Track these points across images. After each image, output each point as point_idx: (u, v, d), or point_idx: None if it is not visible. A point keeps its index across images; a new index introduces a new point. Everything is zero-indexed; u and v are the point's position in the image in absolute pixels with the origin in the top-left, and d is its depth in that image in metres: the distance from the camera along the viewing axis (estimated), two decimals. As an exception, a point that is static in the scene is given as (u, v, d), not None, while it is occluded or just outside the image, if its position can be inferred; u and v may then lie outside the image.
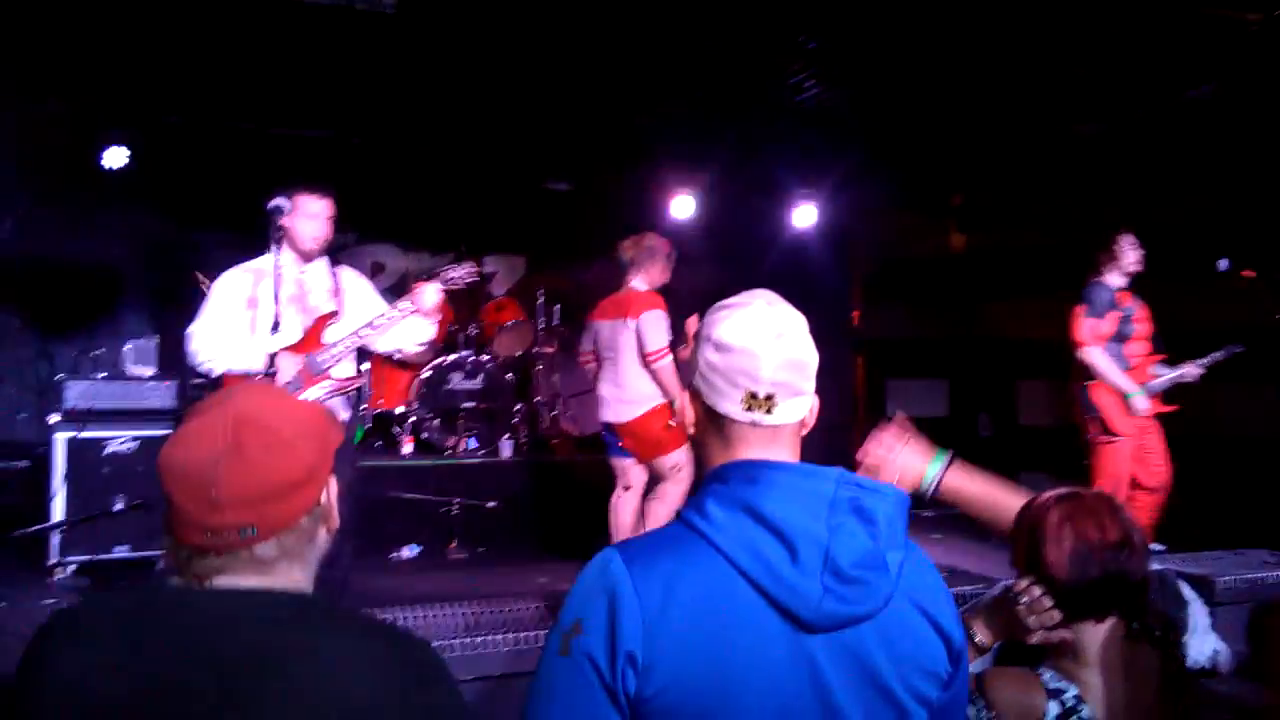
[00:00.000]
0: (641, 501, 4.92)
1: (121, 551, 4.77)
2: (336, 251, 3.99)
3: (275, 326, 3.47)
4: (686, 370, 1.37)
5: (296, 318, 3.76)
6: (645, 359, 4.70)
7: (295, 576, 1.22)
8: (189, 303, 5.47)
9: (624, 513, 4.91)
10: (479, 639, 2.64)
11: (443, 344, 6.91)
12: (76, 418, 4.90)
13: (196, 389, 5.28)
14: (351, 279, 4.00)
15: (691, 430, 1.36)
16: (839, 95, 5.78)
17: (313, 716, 1.06)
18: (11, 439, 6.23)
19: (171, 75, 5.38)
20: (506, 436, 6.79)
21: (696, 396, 1.32)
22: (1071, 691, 1.61)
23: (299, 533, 1.20)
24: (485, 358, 6.95)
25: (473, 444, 6.71)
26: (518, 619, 2.81)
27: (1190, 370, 4.96)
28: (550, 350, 7.47)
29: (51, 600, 4.20)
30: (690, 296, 6.33)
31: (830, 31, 4.97)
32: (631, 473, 4.91)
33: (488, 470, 6.43)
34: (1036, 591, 1.64)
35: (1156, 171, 6.06)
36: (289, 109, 5.97)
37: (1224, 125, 5.54)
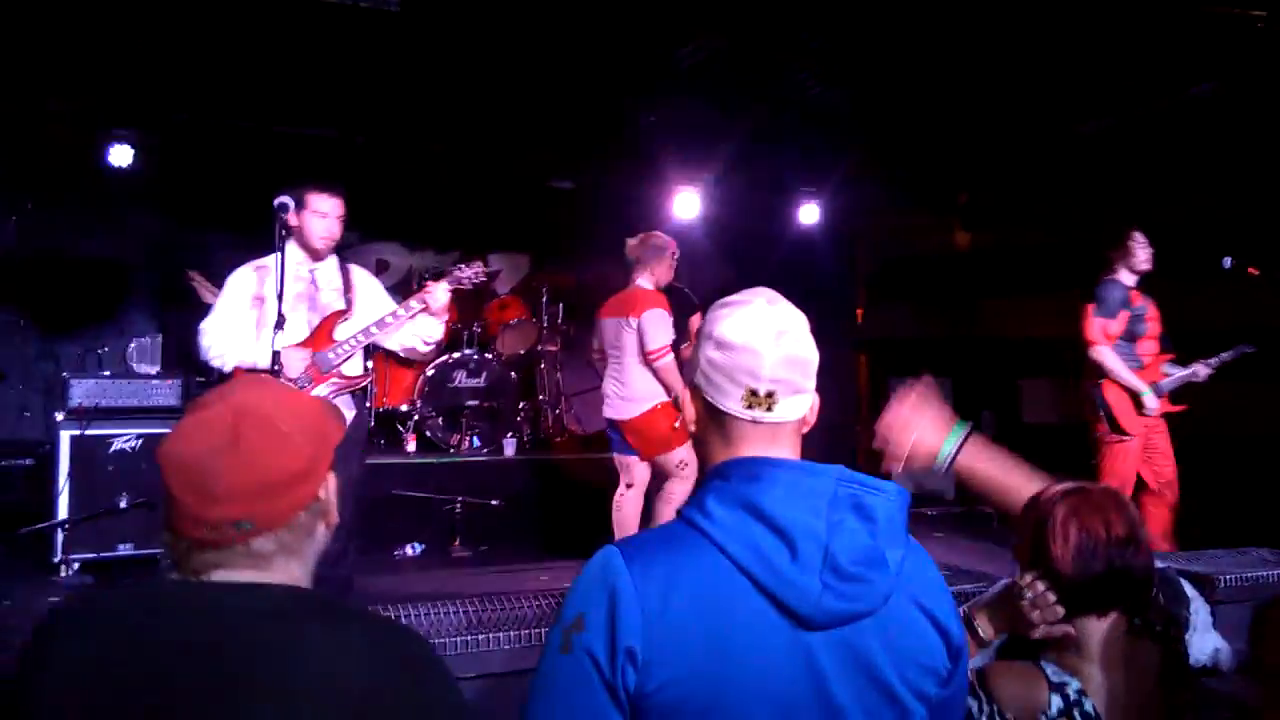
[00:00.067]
0: (645, 500, 4.93)
1: (126, 549, 4.80)
2: (341, 250, 4.01)
3: (280, 324, 3.48)
4: (688, 368, 1.37)
5: (306, 315, 3.78)
6: (646, 357, 4.72)
7: (293, 572, 1.22)
8: (193, 301, 5.52)
9: (627, 510, 4.92)
10: (481, 636, 2.65)
11: (447, 342, 6.92)
12: (81, 415, 4.92)
13: (200, 386, 5.30)
14: (362, 277, 4.03)
15: (693, 428, 1.36)
16: (842, 94, 5.78)
17: (310, 710, 1.07)
18: (16, 437, 6.25)
19: (176, 74, 5.39)
20: (510, 435, 6.80)
21: (698, 394, 1.33)
22: (1074, 685, 1.61)
23: (297, 528, 1.21)
24: (489, 356, 6.96)
25: (476, 442, 6.73)
26: (520, 617, 2.81)
27: (1200, 370, 4.95)
28: (554, 348, 7.48)
29: (56, 598, 4.22)
30: (693, 294, 6.37)
31: (833, 30, 4.96)
32: (635, 470, 4.92)
33: (491, 468, 6.44)
34: (1040, 587, 1.64)
35: (1160, 170, 6.05)
36: (293, 108, 5.98)
37: (1228, 123, 5.53)
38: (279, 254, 3.51)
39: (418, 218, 7.58)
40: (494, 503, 5.97)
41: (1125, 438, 4.88)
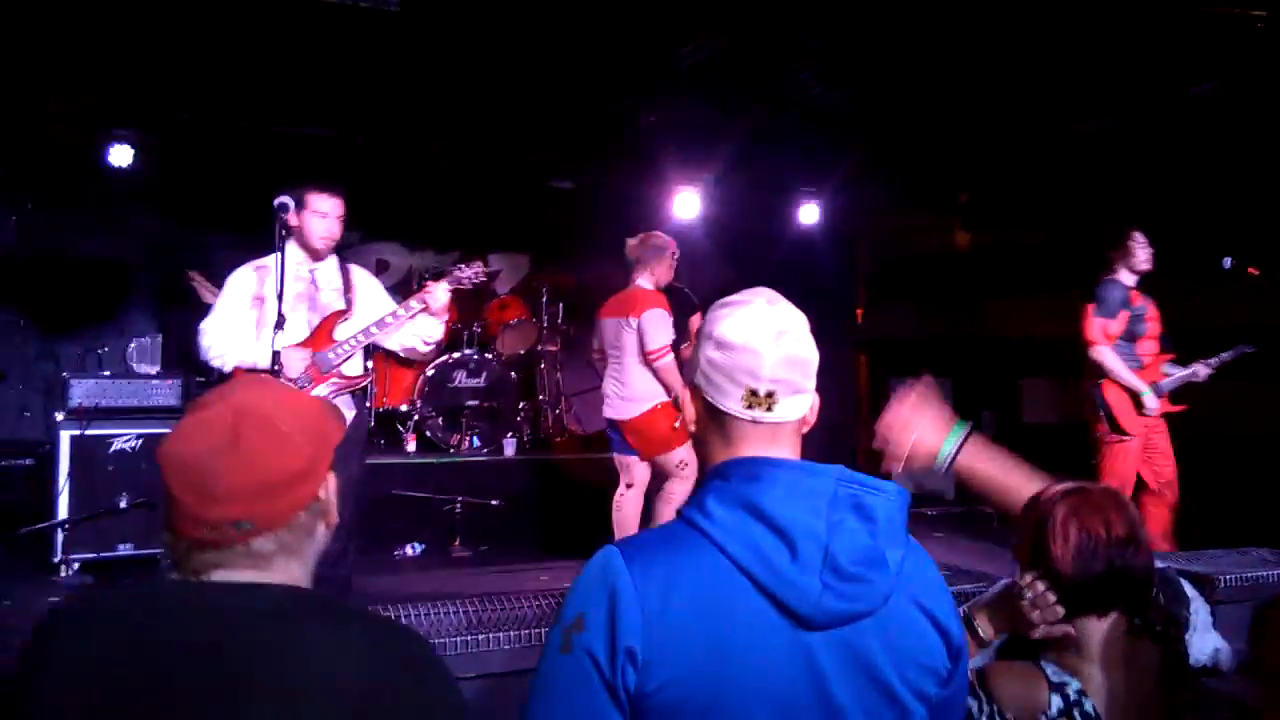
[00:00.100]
0: (645, 500, 4.93)
1: (126, 549, 4.80)
2: (341, 250, 4.01)
3: (280, 324, 3.48)
4: (688, 368, 1.37)
5: (306, 315, 3.78)
6: (646, 357, 4.72)
7: (293, 572, 1.22)
8: (193, 301, 5.52)
9: (627, 510, 4.93)
10: (481, 636, 2.65)
11: (447, 342, 6.92)
12: (81, 415, 4.92)
13: (200, 386, 5.30)
14: (363, 278, 4.03)
15: (693, 428, 1.36)
16: (842, 94, 5.77)
17: (309, 710, 1.07)
18: (16, 437, 6.25)
19: (176, 74, 5.39)
20: (510, 435, 6.80)
21: (697, 394, 1.33)
22: (1074, 685, 1.61)
23: (296, 528, 1.21)
24: (489, 356, 6.96)
25: (476, 442, 6.73)
26: (520, 617, 2.81)
27: (1200, 370, 4.95)
28: (554, 348, 7.48)
29: (56, 598, 4.22)
30: (693, 294, 6.37)
31: (833, 30, 4.96)
32: (634, 470, 4.93)
33: (491, 468, 6.44)
34: (1040, 587, 1.65)
35: (1160, 170, 6.05)
36: (293, 108, 5.98)
37: (1228, 123, 5.53)
38: (279, 254, 3.51)
39: (418, 218, 7.57)
40: (494, 503, 5.97)
41: (1125, 438, 4.88)
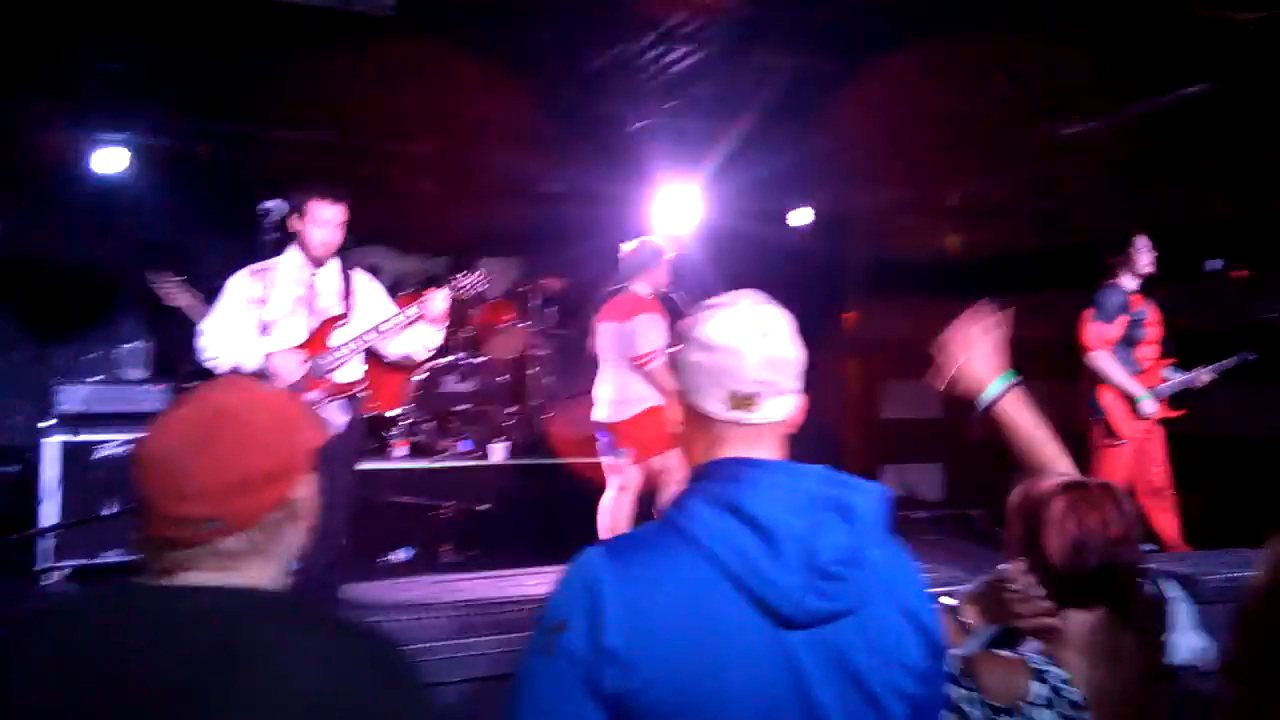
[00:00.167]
0: (635, 503, 4.92)
1: (114, 555, 4.76)
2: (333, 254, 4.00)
3: (277, 328, 3.47)
4: (673, 369, 1.37)
5: (304, 319, 3.78)
6: (637, 361, 4.72)
7: (264, 573, 1.21)
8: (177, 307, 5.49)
9: (615, 514, 4.91)
10: (470, 640, 2.65)
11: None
12: (70, 422, 4.89)
13: (189, 392, 5.27)
14: (363, 283, 4.02)
15: (677, 429, 1.36)
16: (837, 94, 5.77)
17: (276, 713, 1.06)
18: (3, 443, 6.21)
19: (167, 78, 5.37)
20: (500, 439, 6.78)
21: (681, 396, 1.33)
22: (1057, 674, 1.61)
23: (267, 529, 1.19)
24: (479, 360, 6.94)
25: (466, 446, 6.70)
26: (509, 621, 2.81)
27: (1201, 376, 4.96)
28: (544, 353, 7.47)
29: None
30: (686, 297, 6.36)
31: (830, 30, 4.96)
32: (625, 473, 4.92)
33: (481, 473, 6.42)
34: (1030, 579, 1.65)
35: (1160, 170, 6.06)
36: (284, 112, 5.95)
37: (1219, 125, 5.54)
38: (277, 258, 3.51)
39: (409, 222, 7.55)
40: (484, 507, 5.95)
41: (1119, 442, 4.89)
